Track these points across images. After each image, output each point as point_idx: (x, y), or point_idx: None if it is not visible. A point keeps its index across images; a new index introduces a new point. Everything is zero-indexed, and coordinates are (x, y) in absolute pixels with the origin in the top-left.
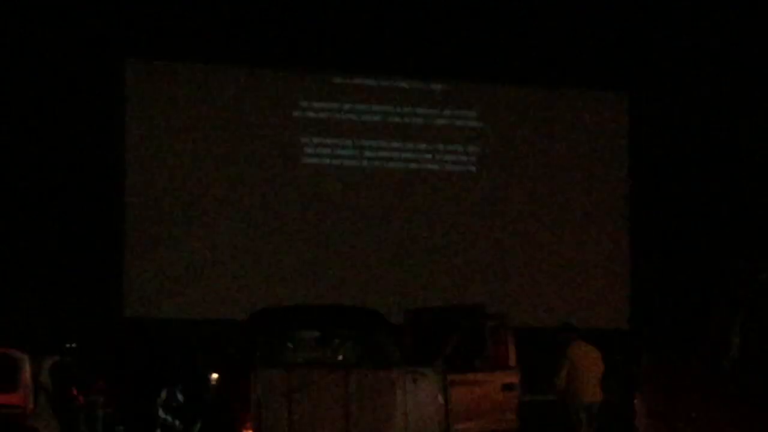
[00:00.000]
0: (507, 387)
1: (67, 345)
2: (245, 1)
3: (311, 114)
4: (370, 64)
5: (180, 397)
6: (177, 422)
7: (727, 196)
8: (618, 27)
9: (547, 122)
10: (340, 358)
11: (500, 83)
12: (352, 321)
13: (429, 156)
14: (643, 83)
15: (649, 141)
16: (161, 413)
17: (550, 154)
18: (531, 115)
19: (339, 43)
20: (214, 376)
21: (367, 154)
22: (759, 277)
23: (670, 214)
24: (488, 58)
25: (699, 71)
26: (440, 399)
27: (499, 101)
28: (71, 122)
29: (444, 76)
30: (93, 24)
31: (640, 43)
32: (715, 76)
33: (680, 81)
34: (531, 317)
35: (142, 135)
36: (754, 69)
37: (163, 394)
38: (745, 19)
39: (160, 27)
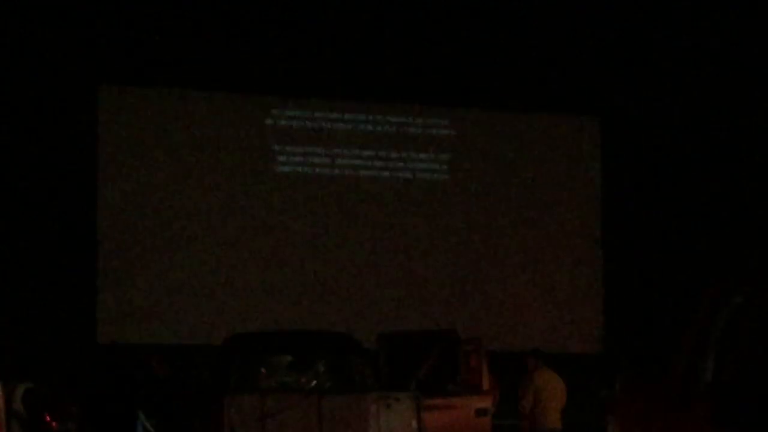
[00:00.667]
0: (480, 412)
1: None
2: (215, 22)
3: (284, 124)
4: (346, 84)
5: (152, 423)
6: None
7: (700, 219)
8: (588, 51)
9: (519, 145)
10: (314, 383)
11: (472, 106)
12: (325, 346)
13: (401, 172)
14: (615, 107)
15: (621, 164)
16: None
17: (522, 177)
18: (503, 138)
19: (315, 64)
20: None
21: (339, 162)
22: (732, 300)
23: (643, 237)
24: (461, 81)
25: (670, 94)
26: (414, 424)
27: (470, 129)
28: (43, 147)
29: (418, 101)
30: (65, 51)
31: (611, 66)
32: (685, 99)
33: (651, 104)
34: (504, 342)
35: (115, 160)
36: (725, 91)
37: (141, 419)
38: (715, 42)
39: (131, 53)
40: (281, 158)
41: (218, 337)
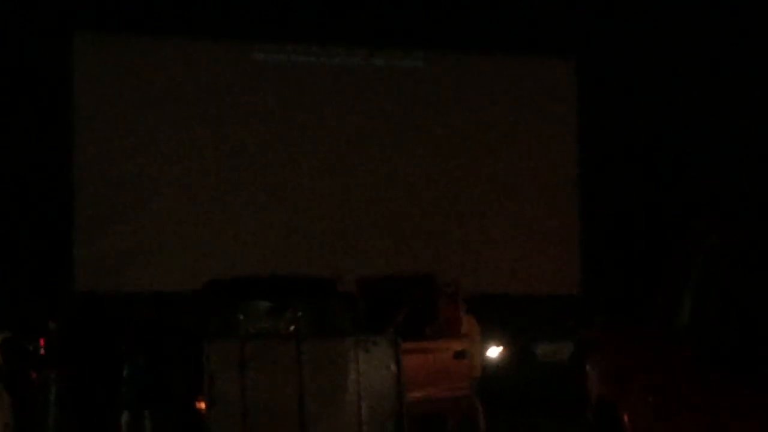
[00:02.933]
0: (459, 354)
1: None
2: None
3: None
4: (325, 27)
5: (130, 370)
6: (132, 396)
7: (677, 159)
8: None
9: (496, 87)
10: (293, 328)
11: (449, 48)
12: (304, 290)
13: (380, 120)
14: (590, 48)
15: (597, 105)
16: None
17: (499, 118)
18: (480, 80)
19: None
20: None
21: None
22: (709, 239)
23: (620, 177)
24: (438, 24)
25: (645, 33)
26: (393, 367)
27: (447, 71)
28: (20, 96)
29: (392, 41)
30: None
31: (586, 8)
32: (660, 37)
33: (627, 45)
34: (482, 284)
35: (92, 108)
36: (700, 32)
37: (125, 370)
38: None
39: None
40: (255, 100)
41: (198, 285)
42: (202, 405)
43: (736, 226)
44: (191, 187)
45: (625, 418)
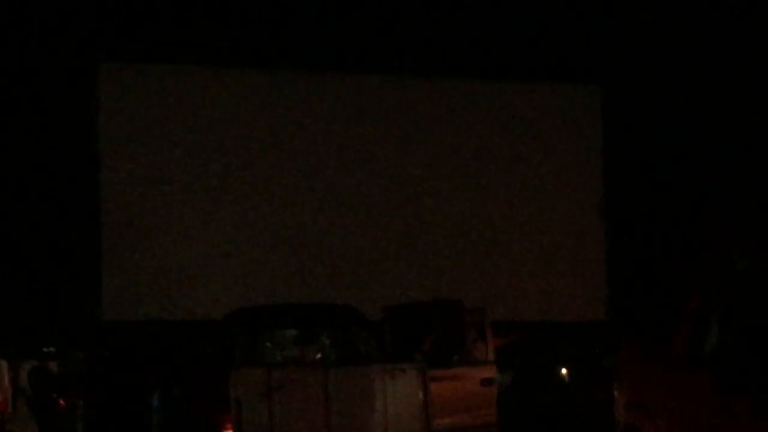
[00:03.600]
0: (486, 381)
1: (46, 349)
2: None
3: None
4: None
5: (159, 399)
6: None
7: (702, 186)
8: (590, 19)
9: (521, 114)
10: (319, 356)
11: (475, 76)
12: (330, 318)
13: (410, 145)
14: (616, 75)
15: (622, 132)
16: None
17: (525, 146)
18: (506, 108)
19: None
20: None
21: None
22: (737, 265)
23: (645, 203)
24: (464, 51)
25: (671, 61)
26: (420, 395)
27: (473, 99)
28: (46, 127)
29: (413, 70)
30: (66, 30)
31: (612, 34)
32: (687, 65)
33: (652, 72)
34: (508, 311)
35: (117, 137)
36: (725, 58)
37: (155, 396)
38: (716, 10)
39: (131, 31)
40: (278, 129)
41: (223, 313)
42: None
43: (762, 252)
44: (216, 216)
45: None
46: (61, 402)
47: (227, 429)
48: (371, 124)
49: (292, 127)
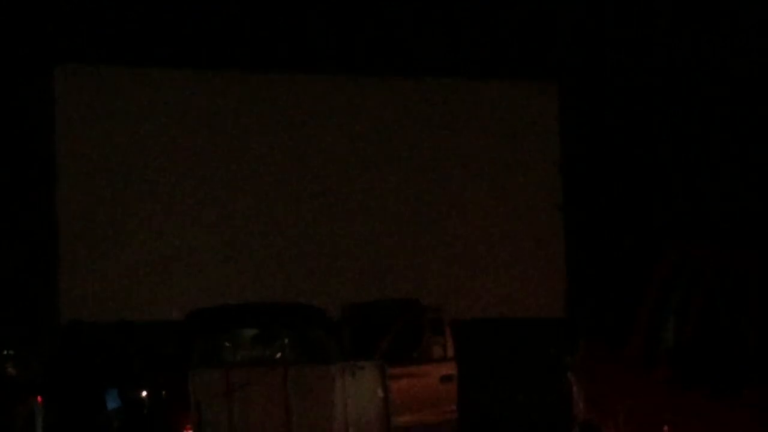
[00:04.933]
0: (445, 378)
1: (4, 352)
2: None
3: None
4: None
5: (118, 400)
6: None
7: (660, 181)
8: (546, 16)
9: (478, 112)
10: (279, 355)
11: (430, 73)
12: (289, 318)
13: (364, 144)
14: (572, 73)
15: (580, 131)
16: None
17: (482, 144)
18: (463, 105)
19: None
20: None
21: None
22: (690, 263)
23: (604, 201)
24: (420, 49)
25: (627, 57)
26: (380, 392)
27: (429, 96)
28: (2, 128)
29: (375, 69)
30: (21, 31)
31: (568, 31)
32: (643, 60)
33: (609, 68)
34: (468, 309)
35: (74, 139)
36: (681, 54)
37: (114, 398)
38: (671, 9)
39: (87, 32)
40: (238, 128)
41: (182, 314)
42: None
43: (715, 248)
44: (175, 218)
45: None
46: (19, 405)
47: (187, 429)
48: (330, 125)
49: (250, 129)
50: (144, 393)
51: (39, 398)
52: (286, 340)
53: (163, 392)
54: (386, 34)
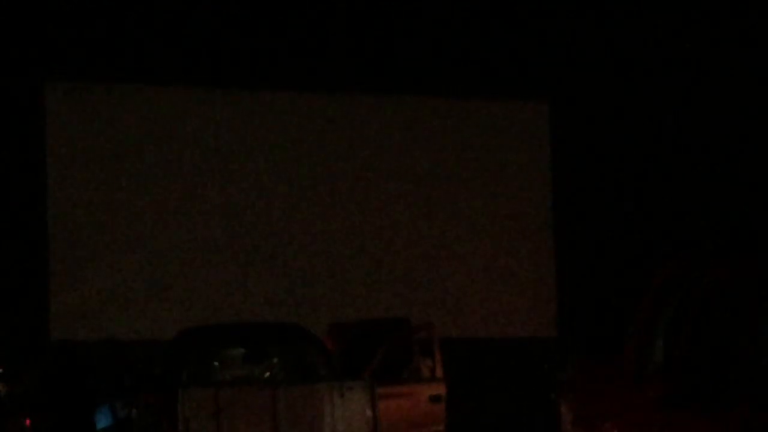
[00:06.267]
0: (434, 398)
1: None
2: (160, 20)
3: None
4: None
5: (110, 418)
6: None
7: (650, 202)
8: (536, 36)
9: (469, 132)
10: (268, 374)
11: (421, 93)
12: (278, 337)
13: (353, 162)
14: (563, 92)
15: (570, 149)
16: None
17: (472, 163)
18: (453, 125)
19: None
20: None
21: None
22: (681, 281)
23: (594, 220)
24: (409, 68)
25: (618, 77)
26: (368, 412)
27: (419, 116)
28: None
29: (362, 88)
30: (11, 48)
31: (559, 51)
32: (633, 82)
33: (600, 87)
34: (458, 328)
35: (64, 157)
36: (672, 74)
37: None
38: (662, 25)
39: (78, 50)
40: (228, 147)
41: (171, 333)
42: None
43: (706, 266)
44: (165, 236)
45: None
46: (9, 424)
47: None
48: (320, 143)
49: (240, 146)
50: (134, 411)
51: (27, 421)
52: (276, 360)
53: (152, 410)
54: (380, 54)
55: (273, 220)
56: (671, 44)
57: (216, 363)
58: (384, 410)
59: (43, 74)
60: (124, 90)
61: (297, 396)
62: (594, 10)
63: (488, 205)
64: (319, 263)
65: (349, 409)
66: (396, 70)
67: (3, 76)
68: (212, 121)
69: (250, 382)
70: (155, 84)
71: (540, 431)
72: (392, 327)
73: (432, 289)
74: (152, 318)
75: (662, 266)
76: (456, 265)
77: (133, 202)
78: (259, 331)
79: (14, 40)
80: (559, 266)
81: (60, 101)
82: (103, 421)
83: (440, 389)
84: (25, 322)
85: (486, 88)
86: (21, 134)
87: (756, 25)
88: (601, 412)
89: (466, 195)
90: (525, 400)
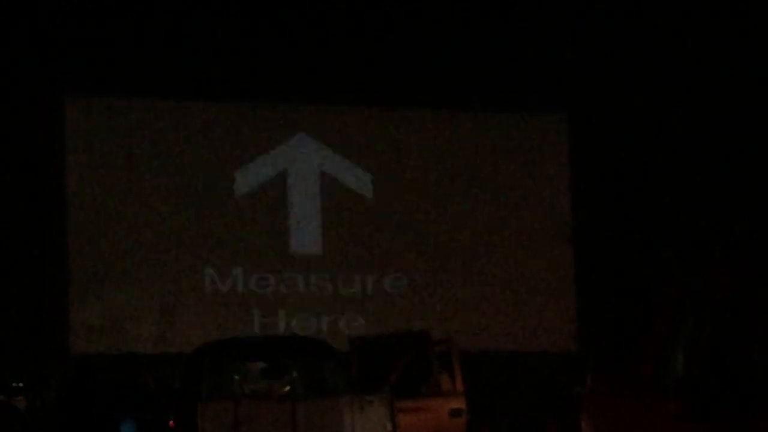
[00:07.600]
0: (454, 413)
1: (14, 384)
2: (177, 36)
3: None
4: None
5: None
6: None
7: (670, 214)
8: (555, 49)
9: (488, 145)
10: (287, 388)
11: (441, 106)
12: (297, 351)
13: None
14: (582, 104)
15: (590, 162)
16: None
17: (492, 176)
18: (472, 138)
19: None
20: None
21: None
22: (700, 295)
23: (614, 234)
24: (430, 81)
25: (637, 89)
26: (388, 426)
27: (439, 130)
28: (13, 161)
29: (380, 101)
30: (31, 64)
31: (577, 63)
32: (652, 93)
33: (619, 99)
34: (478, 342)
35: (85, 171)
36: (690, 86)
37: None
38: (679, 38)
39: (98, 65)
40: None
41: (191, 346)
42: None
43: (726, 279)
44: (183, 251)
45: None
46: None
47: None
48: (338, 154)
49: (260, 161)
50: (157, 424)
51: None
52: (295, 374)
53: (171, 423)
54: (396, 68)
55: (286, 234)
56: (693, 54)
57: (235, 376)
58: (404, 424)
59: (63, 89)
60: (142, 105)
61: (316, 410)
62: (614, 21)
63: (508, 218)
64: (337, 277)
65: (369, 422)
66: (417, 84)
67: (24, 91)
68: (230, 135)
69: (269, 396)
70: (177, 99)
71: None
72: (412, 341)
73: (452, 304)
74: (170, 333)
75: (679, 281)
76: (476, 280)
77: (152, 217)
78: (279, 345)
79: (37, 57)
80: (579, 280)
81: (80, 116)
82: None
83: (460, 403)
84: (45, 336)
85: (506, 101)
86: (41, 148)
87: None
88: (621, 426)
89: (486, 208)
90: (544, 415)
